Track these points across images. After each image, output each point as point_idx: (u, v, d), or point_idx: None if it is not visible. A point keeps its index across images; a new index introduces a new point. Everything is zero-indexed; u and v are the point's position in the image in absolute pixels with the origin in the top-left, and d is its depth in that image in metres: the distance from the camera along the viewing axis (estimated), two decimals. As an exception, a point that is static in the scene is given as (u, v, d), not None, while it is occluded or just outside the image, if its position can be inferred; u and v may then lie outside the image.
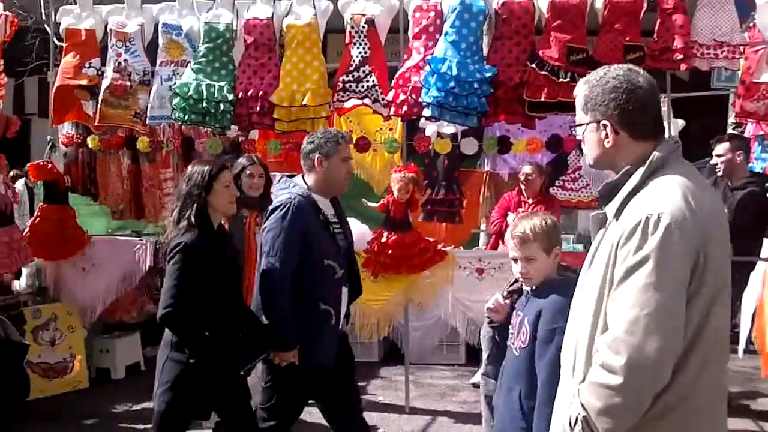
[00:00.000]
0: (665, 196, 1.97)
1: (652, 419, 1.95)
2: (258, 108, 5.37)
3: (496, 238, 6.18)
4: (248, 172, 5.00)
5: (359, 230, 6.67)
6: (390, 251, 5.34)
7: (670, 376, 1.93)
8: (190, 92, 5.35)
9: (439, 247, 5.49)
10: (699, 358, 1.97)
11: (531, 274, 2.86)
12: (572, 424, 2.02)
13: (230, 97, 5.38)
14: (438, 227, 6.64)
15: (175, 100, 5.42)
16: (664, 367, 1.91)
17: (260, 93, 5.36)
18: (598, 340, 1.98)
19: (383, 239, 5.39)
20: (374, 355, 6.81)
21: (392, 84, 5.20)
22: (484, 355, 4.53)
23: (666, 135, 2.18)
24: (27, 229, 5.88)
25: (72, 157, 6.52)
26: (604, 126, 2.10)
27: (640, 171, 2.04)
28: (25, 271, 6.13)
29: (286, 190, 3.74)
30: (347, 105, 5.37)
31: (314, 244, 3.63)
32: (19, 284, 6.14)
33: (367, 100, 5.32)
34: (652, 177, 2.04)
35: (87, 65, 5.84)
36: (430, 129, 6.21)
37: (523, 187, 6.10)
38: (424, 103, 5.02)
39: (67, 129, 6.32)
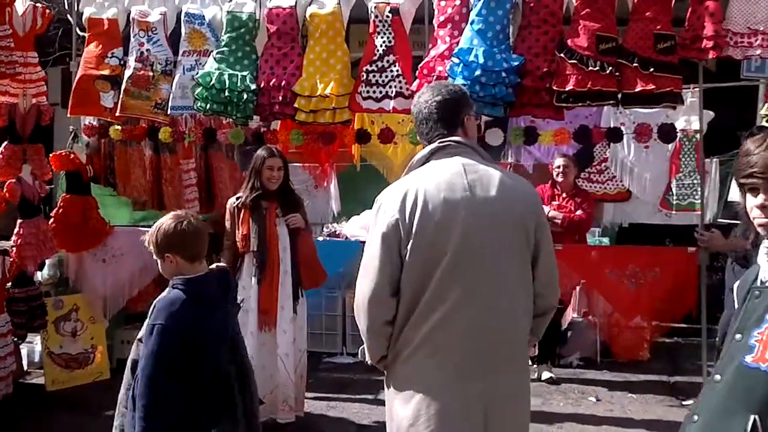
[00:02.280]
0: (395, 185, 2.60)
1: (397, 357, 2.54)
2: (280, 98, 5.30)
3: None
4: (268, 164, 4.95)
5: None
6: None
7: (391, 316, 2.51)
8: (213, 82, 5.29)
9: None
10: (414, 323, 2.48)
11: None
12: (361, 353, 2.74)
13: (253, 86, 5.31)
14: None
15: (198, 90, 5.37)
16: (370, 303, 2.51)
17: (283, 83, 5.29)
18: None
19: (407, 231, 5.30)
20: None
21: (417, 74, 5.10)
22: None
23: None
24: (51, 220, 5.86)
25: (95, 148, 6.50)
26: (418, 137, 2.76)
27: (405, 168, 2.67)
28: (47, 261, 6.13)
29: None
30: (365, 105, 5.27)
31: None
32: (41, 275, 6.14)
33: (386, 101, 5.20)
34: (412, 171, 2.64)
35: (109, 55, 5.79)
36: (454, 120, 6.12)
37: (559, 179, 6.02)
38: (450, 93, 4.92)
39: (89, 119, 6.30)
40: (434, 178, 2.53)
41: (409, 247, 2.46)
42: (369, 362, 2.66)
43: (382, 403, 5.50)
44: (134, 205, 6.92)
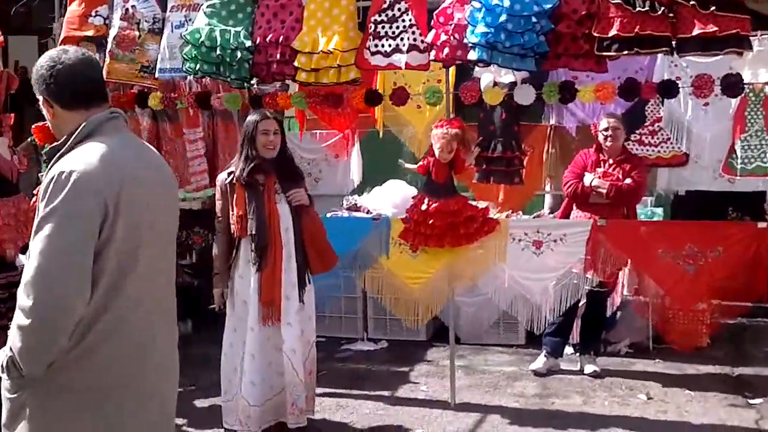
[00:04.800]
0: (81, 157, 2.20)
1: (74, 359, 2.17)
2: (278, 56, 4.67)
3: (570, 201, 5.37)
4: (262, 128, 4.30)
5: (405, 194, 5.98)
6: (431, 221, 4.60)
7: (82, 317, 2.14)
8: (202, 39, 4.68)
9: (491, 215, 4.73)
10: (115, 315, 2.21)
11: None
12: (3, 368, 2.17)
13: (248, 43, 4.69)
14: (495, 189, 5.88)
15: (186, 49, 4.78)
16: (69, 305, 2.09)
17: (281, 38, 4.66)
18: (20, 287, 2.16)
19: (423, 206, 4.63)
20: (421, 334, 6.11)
21: (432, 23, 4.42)
22: None
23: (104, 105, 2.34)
24: (33, 199, 5.36)
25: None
26: (44, 102, 2.34)
27: (72, 137, 2.27)
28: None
29: None
30: (373, 62, 4.59)
31: None
32: (24, 258, 5.65)
33: (397, 56, 4.52)
34: (82, 142, 2.26)
35: (93, 14, 5.29)
36: (486, 77, 5.33)
37: (606, 143, 5.23)
38: (470, 44, 4.22)
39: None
40: (129, 151, 2.34)
41: (114, 230, 2.18)
42: (19, 375, 2.14)
43: (398, 402, 4.92)
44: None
